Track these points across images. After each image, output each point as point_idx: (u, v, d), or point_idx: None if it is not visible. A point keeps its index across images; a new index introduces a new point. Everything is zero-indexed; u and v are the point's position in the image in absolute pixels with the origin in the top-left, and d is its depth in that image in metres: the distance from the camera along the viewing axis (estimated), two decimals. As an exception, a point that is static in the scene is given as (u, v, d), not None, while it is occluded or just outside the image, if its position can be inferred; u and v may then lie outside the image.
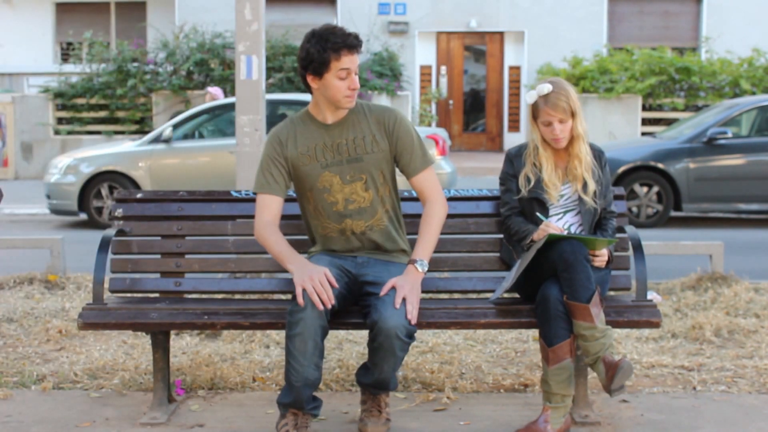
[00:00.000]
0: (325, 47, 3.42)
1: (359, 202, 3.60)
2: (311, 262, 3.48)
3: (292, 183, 3.70)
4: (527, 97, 3.79)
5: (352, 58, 3.46)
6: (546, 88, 3.72)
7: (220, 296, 4.84)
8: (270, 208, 3.59)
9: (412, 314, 3.33)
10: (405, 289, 3.36)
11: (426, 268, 3.50)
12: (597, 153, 3.87)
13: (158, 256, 4.06)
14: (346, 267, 3.59)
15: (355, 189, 3.59)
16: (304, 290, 3.28)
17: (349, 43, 3.44)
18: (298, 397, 3.37)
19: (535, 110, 3.77)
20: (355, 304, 3.61)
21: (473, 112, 20.67)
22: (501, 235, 4.03)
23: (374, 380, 3.54)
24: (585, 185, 3.78)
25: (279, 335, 5.02)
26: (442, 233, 3.94)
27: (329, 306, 3.30)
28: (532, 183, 3.80)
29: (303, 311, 3.28)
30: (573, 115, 3.74)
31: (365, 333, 5.03)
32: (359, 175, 3.58)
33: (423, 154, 3.64)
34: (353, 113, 3.61)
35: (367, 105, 3.67)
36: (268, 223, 3.56)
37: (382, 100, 16.93)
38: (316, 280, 3.29)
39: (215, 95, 13.26)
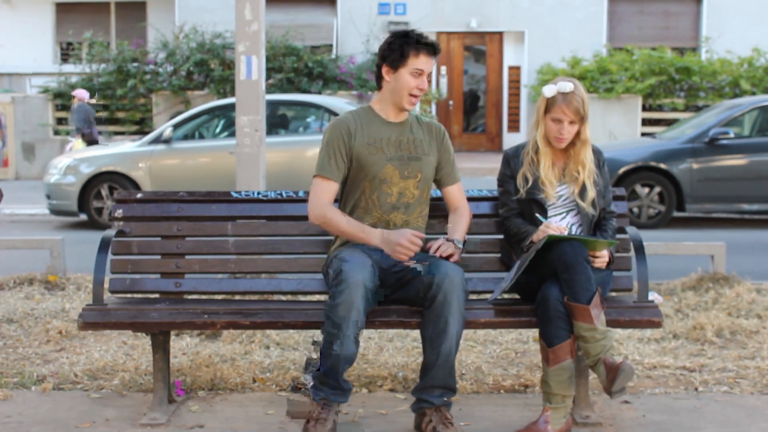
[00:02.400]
0: (408, 42, 3.67)
1: (409, 197, 3.78)
2: (354, 248, 3.65)
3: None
4: (545, 90, 3.77)
5: (429, 62, 3.69)
6: (568, 86, 3.72)
7: (220, 297, 4.82)
8: (329, 192, 3.75)
9: (451, 254, 3.61)
10: (448, 246, 3.64)
11: (461, 246, 3.74)
12: (595, 153, 3.87)
13: (158, 257, 4.05)
14: (377, 259, 3.67)
15: (409, 185, 3.78)
16: (346, 271, 3.44)
17: (432, 45, 3.68)
18: (335, 369, 3.44)
19: (549, 105, 3.76)
20: (388, 297, 3.70)
21: (473, 112, 20.67)
22: (501, 236, 4.03)
23: (442, 358, 3.48)
24: (583, 191, 3.77)
25: (279, 336, 5.01)
26: (442, 233, 4.00)
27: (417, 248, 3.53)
28: (530, 183, 3.79)
29: (347, 280, 3.40)
30: (583, 120, 3.74)
31: (365, 333, 5.05)
32: (415, 173, 3.78)
33: (456, 170, 3.94)
34: (409, 121, 3.83)
35: (417, 116, 3.89)
36: (327, 204, 3.71)
37: (383, 100, 16.88)
38: (406, 244, 3.51)
39: (81, 97, 13.44)
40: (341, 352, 3.41)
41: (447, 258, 3.61)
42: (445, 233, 3.83)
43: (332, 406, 3.52)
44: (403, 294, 3.66)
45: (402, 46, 3.66)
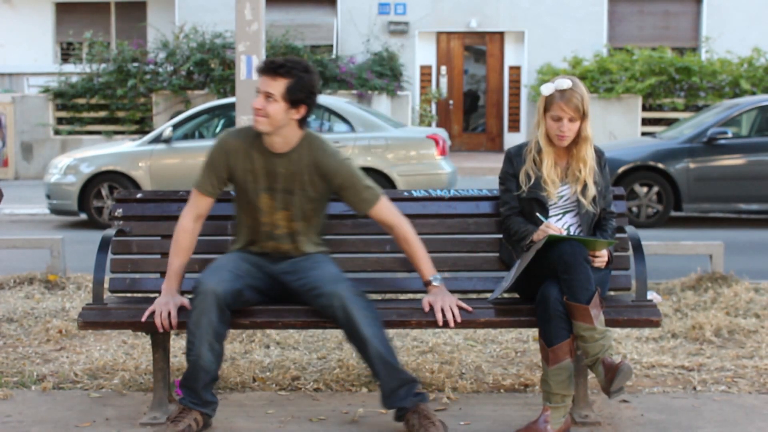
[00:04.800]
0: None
1: (286, 228, 3.74)
2: (232, 253, 3.75)
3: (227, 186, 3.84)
4: (543, 89, 3.77)
5: (263, 80, 3.59)
6: (566, 83, 3.72)
7: (220, 296, 4.82)
8: (200, 207, 3.77)
9: (456, 317, 3.59)
10: (438, 302, 3.62)
11: (441, 279, 3.72)
12: (597, 154, 3.87)
13: (158, 256, 4.06)
14: (261, 263, 3.74)
15: (284, 216, 3.73)
16: (200, 279, 3.55)
17: (263, 65, 3.61)
18: (194, 376, 3.51)
19: (548, 103, 3.76)
20: (282, 299, 3.75)
21: (473, 112, 20.67)
22: (501, 235, 4.03)
23: (377, 363, 3.49)
24: (585, 189, 3.78)
25: (279, 335, 5.02)
26: (441, 233, 4.01)
27: (167, 328, 3.59)
28: (532, 181, 3.80)
29: (199, 287, 3.48)
30: (583, 116, 3.74)
31: (365, 333, 5.05)
32: (289, 206, 3.72)
33: (367, 188, 3.72)
34: (299, 148, 3.68)
35: (315, 143, 3.71)
36: (186, 228, 3.74)
37: (382, 100, 16.93)
38: (164, 309, 3.57)
39: None
40: (198, 360, 3.49)
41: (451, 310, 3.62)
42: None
43: (192, 411, 3.56)
44: (296, 300, 3.71)
45: None
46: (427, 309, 3.61)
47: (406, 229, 3.72)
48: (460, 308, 3.62)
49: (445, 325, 3.60)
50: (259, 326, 3.81)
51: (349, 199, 3.74)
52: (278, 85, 3.54)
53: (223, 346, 3.57)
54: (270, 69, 3.56)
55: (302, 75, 3.57)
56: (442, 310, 3.59)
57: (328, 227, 3.97)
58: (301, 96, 3.57)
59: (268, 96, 3.55)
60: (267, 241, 3.75)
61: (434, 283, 3.68)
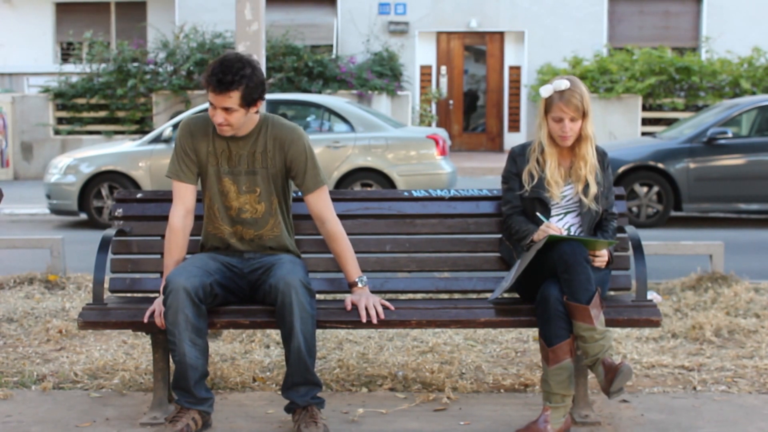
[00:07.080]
0: (205, 74, 3.58)
1: (251, 212, 3.75)
2: (201, 254, 3.78)
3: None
4: (542, 91, 3.78)
5: (217, 98, 3.54)
6: (563, 84, 3.72)
7: (220, 296, 4.82)
8: (185, 198, 3.75)
9: (380, 314, 3.63)
10: (362, 301, 3.66)
11: (366, 281, 3.75)
12: (600, 154, 3.88)
13: (158, 256, 4.05)
14: (231, 263, 3.75)
15: (249, 200, 3.74)
16: (169, 278, 3.54)
17: (213, 83, 3.53)
18: (184, 375, 3.51)
19: (548, 105, 3.77)
20: (250, 299, 3.76)
21: (473, 112, 20.67)
22: (501, 235, 4.03)
23: (293, 356, 3.52)
24: (587, 187, 3.78)
25: (279, 335, 5.01)
26: (442, 233, 4.02)
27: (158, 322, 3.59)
28: (535, 180, 3.80)
29: (169, 285, 3.47)
30: (584, 115, 3.74)
31: (365, 333, 5.06)
32: (254, 187, 3.74)
33: (315, 175, 3.76)
34: (259, 126, 3.72)
35: (274, 120, 3.76)
36: (177, 227, 3.72)
37: (382, 100, 16.93)
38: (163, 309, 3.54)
39: None
40: (183, 359, 3.50)
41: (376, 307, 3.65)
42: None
43: (189, 411, 3.57)
44: (257, 297, 3.73)
45: (203, 78, 3.59)
46: (349, 308, 3.65)
47: (336, 227, 3.76)
48: (384, 306, 3.67)
49: (369, 322, 3.64)
50: (260, 326, 3.82)
51: (295, 173, 3.73)
52: (234, 99, 3.54)
53: (206, 340, 3.57)
54: (222, 87, 3.50)
55: (250, 77, 3.55)
56: (366, 309, 3.63)
57: None
58: (256, 96, 3.59)
59: (226, 110, 3.56)
60: (232, 226, 3.76)
61: (359, 285, 3.72)
